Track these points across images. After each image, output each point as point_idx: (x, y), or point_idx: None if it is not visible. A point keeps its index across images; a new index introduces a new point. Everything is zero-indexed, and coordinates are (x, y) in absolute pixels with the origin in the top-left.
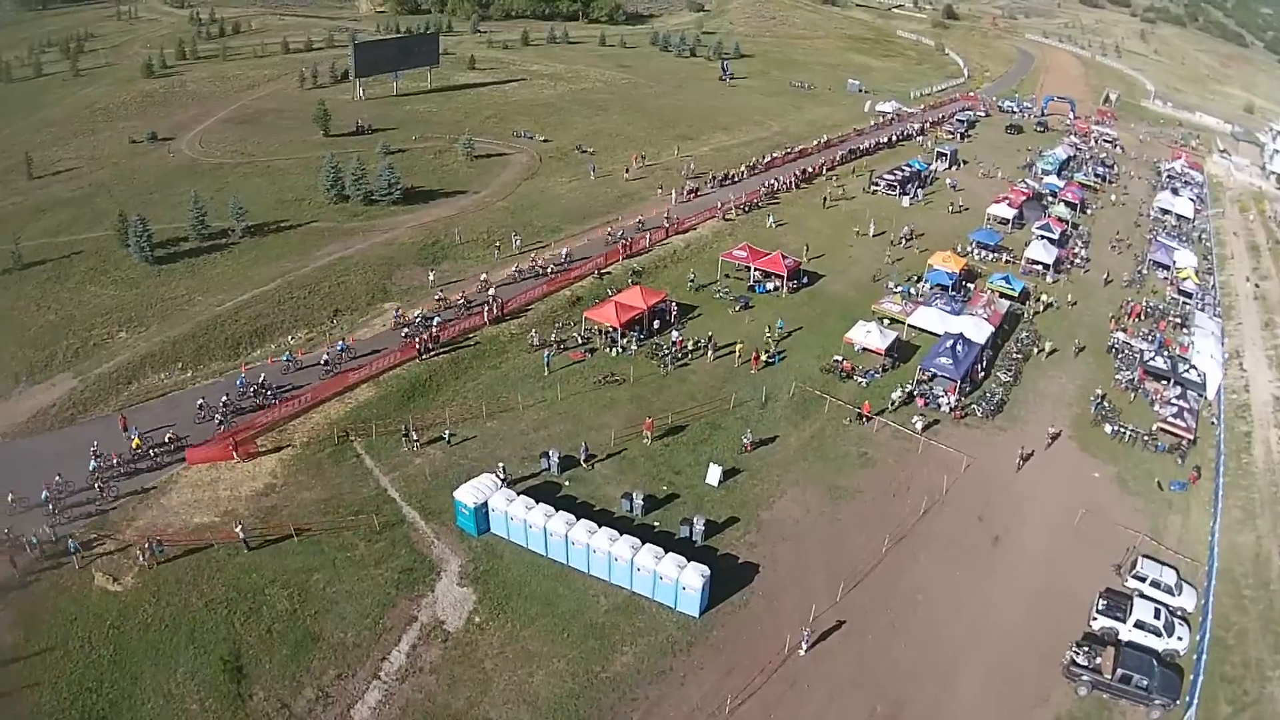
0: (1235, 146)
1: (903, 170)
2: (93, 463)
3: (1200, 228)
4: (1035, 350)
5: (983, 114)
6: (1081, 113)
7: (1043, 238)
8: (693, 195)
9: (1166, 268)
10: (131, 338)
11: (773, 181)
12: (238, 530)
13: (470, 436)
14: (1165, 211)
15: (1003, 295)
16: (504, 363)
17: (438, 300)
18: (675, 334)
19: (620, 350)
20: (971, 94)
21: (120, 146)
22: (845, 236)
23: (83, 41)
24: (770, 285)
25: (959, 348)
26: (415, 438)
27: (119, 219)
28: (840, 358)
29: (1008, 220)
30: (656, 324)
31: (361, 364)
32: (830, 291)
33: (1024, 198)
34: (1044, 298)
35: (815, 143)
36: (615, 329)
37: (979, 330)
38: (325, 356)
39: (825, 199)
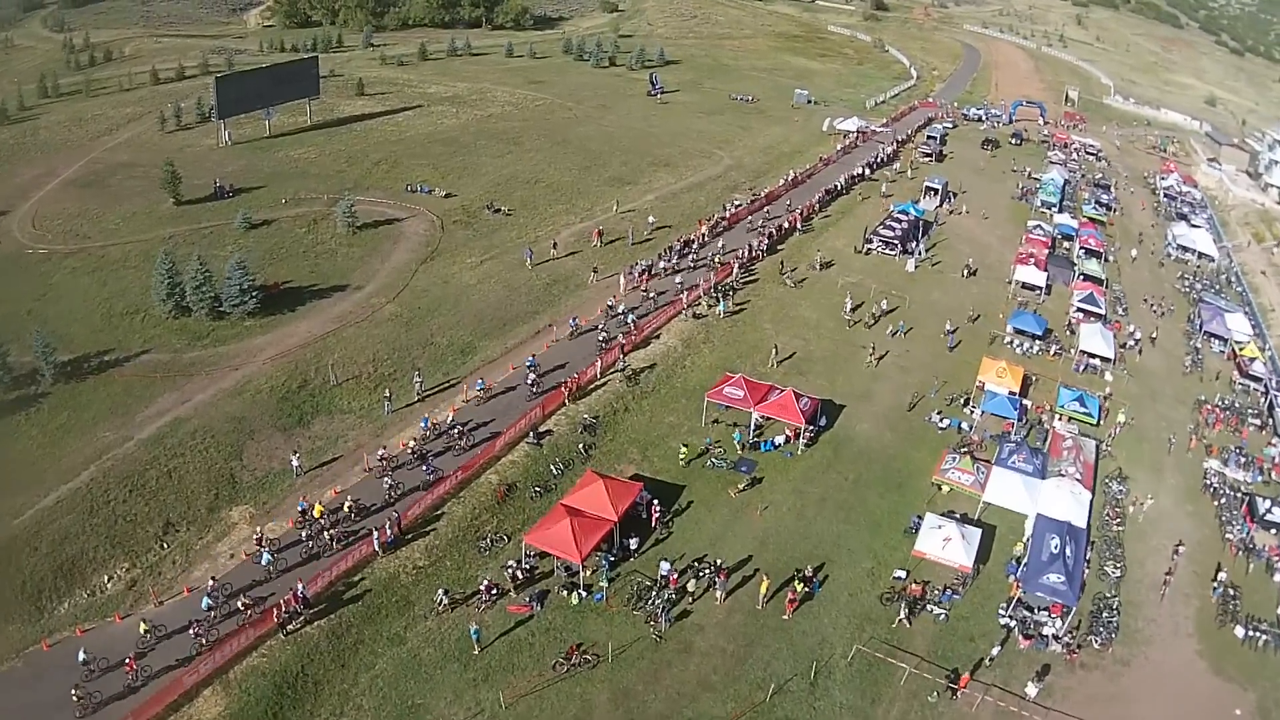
0: (1218, 151)
1: (899, 221)
2: None
3: (1229, 269)
4: (1131, 507)
5: (949, 125)
6: (1051, 117)
7: (1085, 311)
8: (646, 277)
9: (1222, 339)
10: None
11: (744, 249)
12: None
13: None
14: (1184, 249)
15: (1073, 419)
16: (410, 629)
17: (300, 515)
18: (665, 566)
19: (584, 593)
20: (930, 99)
21: None
22: (854, 332)
23: None
24: (780, 438)
25: (1067, 550)
26: None
27: None
28: (903, 572)
29: (1038, 288)
30: (633, 541)
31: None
32: (858, 437)
33: (1045, 250)
34: (1121, 416)
35: (781, 182)
36: (573, 564)
37: (1077, 505)
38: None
39: (814, 264)
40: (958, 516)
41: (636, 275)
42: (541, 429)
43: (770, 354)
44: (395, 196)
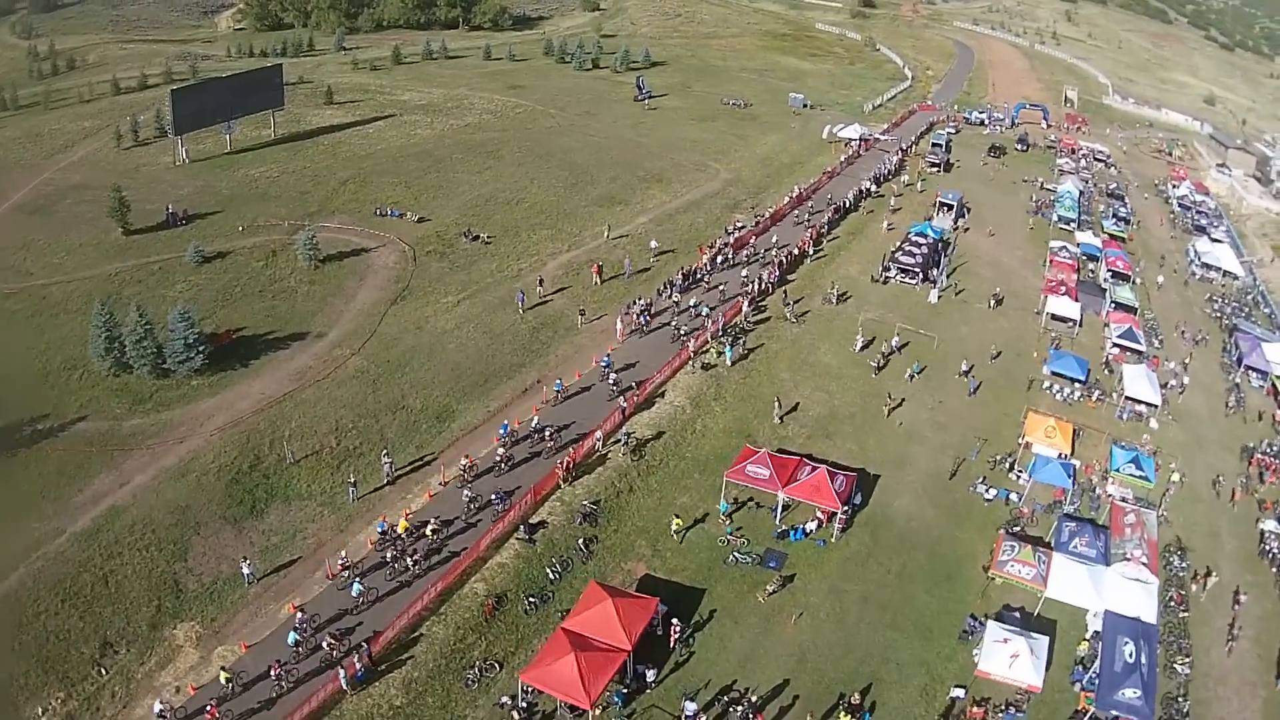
0: (1225, 155)
1: (918, 245)
2: None
3: (1254, 287)
4: (1193, 585)
5: (952, 129)
6: (1054, 120)
7: (1123, 347)
8: (647, 318)
9: (1262, 374)
10: None
11: (753, 281)
12: None
13: None
14: (1208, 266)
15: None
16: None
17: (225, 676)
18: (690, 707)
19: None
20: (929, 102)
21: None
22: (881, 381)
23: None
24: (810, 524)
25: (1141, 657)
26: None
27: None
28: (961, 690)
29: (1072, 321)
30: (650, 671)
31: None
32: (898, 515)
33: (1074, 275)
34: (1175, 475)
35: (785, 199)
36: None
37: (1146, 596)
38: None
39: (829, 296)
40: (1017, 615)
41: (635, 315)
42: (534, 520)
43: (774, 408)
44: (363, 222)
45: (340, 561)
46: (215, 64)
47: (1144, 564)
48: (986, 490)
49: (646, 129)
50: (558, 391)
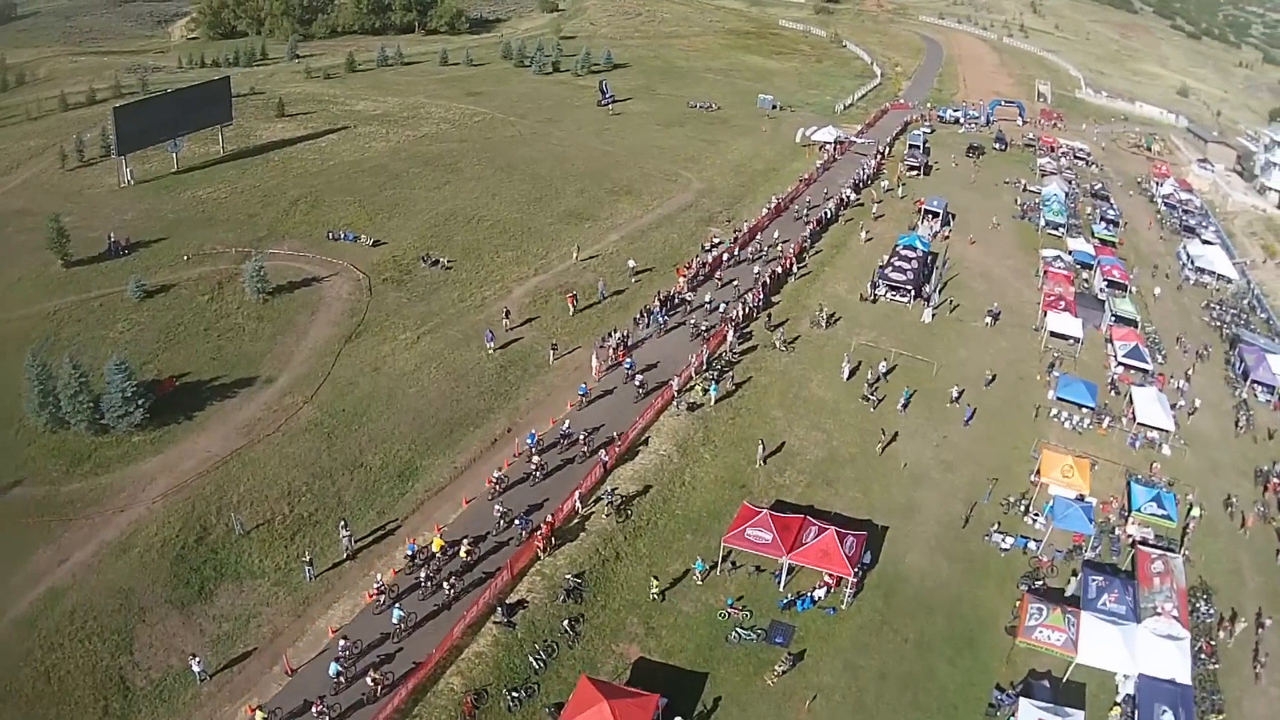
0: (1204, 149)
1: (908, 260)
2: None
3: (1248, 291)
4: (1221, 633)
5: (927, 129)
6: (1030, 117)
7: (1129, 366)
8: (623, 352)
9: (1269, 388)
10: None
11: (737, 306)
12: None
13: None
14: (1201, 270)
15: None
16: None
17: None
18: None
19: None
20: (901, 101)
21: None
22: (880, 416)
23: None
24: (819, 590)
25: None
26: None
27: None
28: None
29: (1075, 339)
30: None
31: None
32: (911, 573)
33: (1071, 287)
34: (1195, 510)
35: (763, 211)
36: None
37: (1180, 654)
38: None
39: (818, 319)
40: (1046, 684)
41: (610, 350)
42: (511, 600)
43: (758, 451)
44: (315, 247)
45: (376, 586)
46: (166, 76)
47: (1174, 617)
48: (1003, 540)
49: (612, 136)
50: (530, 445)
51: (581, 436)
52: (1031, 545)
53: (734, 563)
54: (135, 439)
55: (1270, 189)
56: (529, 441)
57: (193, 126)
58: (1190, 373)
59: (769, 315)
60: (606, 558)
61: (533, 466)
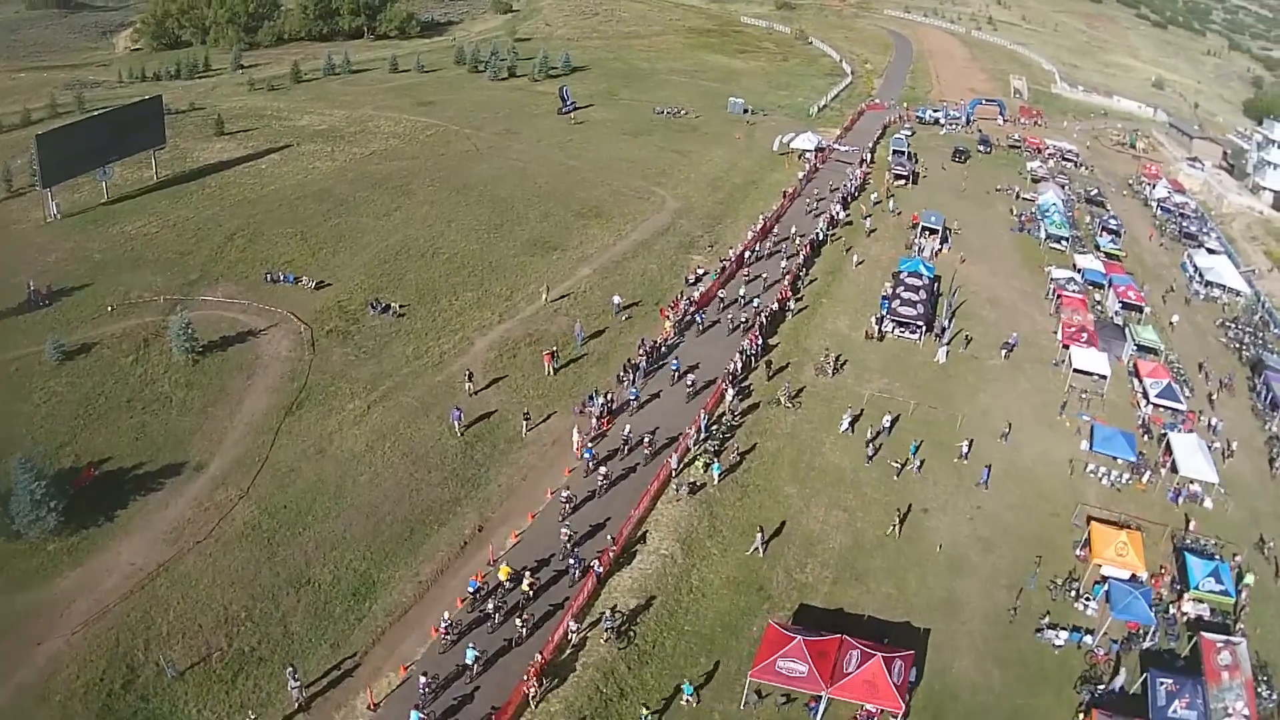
0: (1188, 145)
1: (915, 290)
2: None
3: (1262, 305)
4: None
5: (908, 131)
6: (1010, 115)
7: (1162, 405)
8: (608, 420)
9: None
10: None
11: (735, 358)
12: None
13: None
14: (1209, 284)
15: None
16: None
17: None
18: None
19: None
20: (876, 101)
21: None
22: (905, 483)
23: None
24: None
25: None
26: None
27: None
28: None
29: (1103, 377)
30: None
31: None
32: (960, 687)
33: (1088, 313)
34: (1248, 577)
35: (749, 235)
36: None
37: None
38: None
39: (823, 367)
40: None
41: (594, 417)
42: None
43: (756, 538)
44: (251, 291)
45: (443, 624)
46: (104, 92)
47: (1245, 716)
48: (1056, 635)
49: (575, 148)
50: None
51: (645, 439)
52: (1087, 639)
53: (759, 692)
54: (51, 547)
55: (1265, 188)
56: (587, 455)
57: (123, 152)
58: (1214, 398)
59: (768, 363)
60: (609, 697)
61: (600, 477)
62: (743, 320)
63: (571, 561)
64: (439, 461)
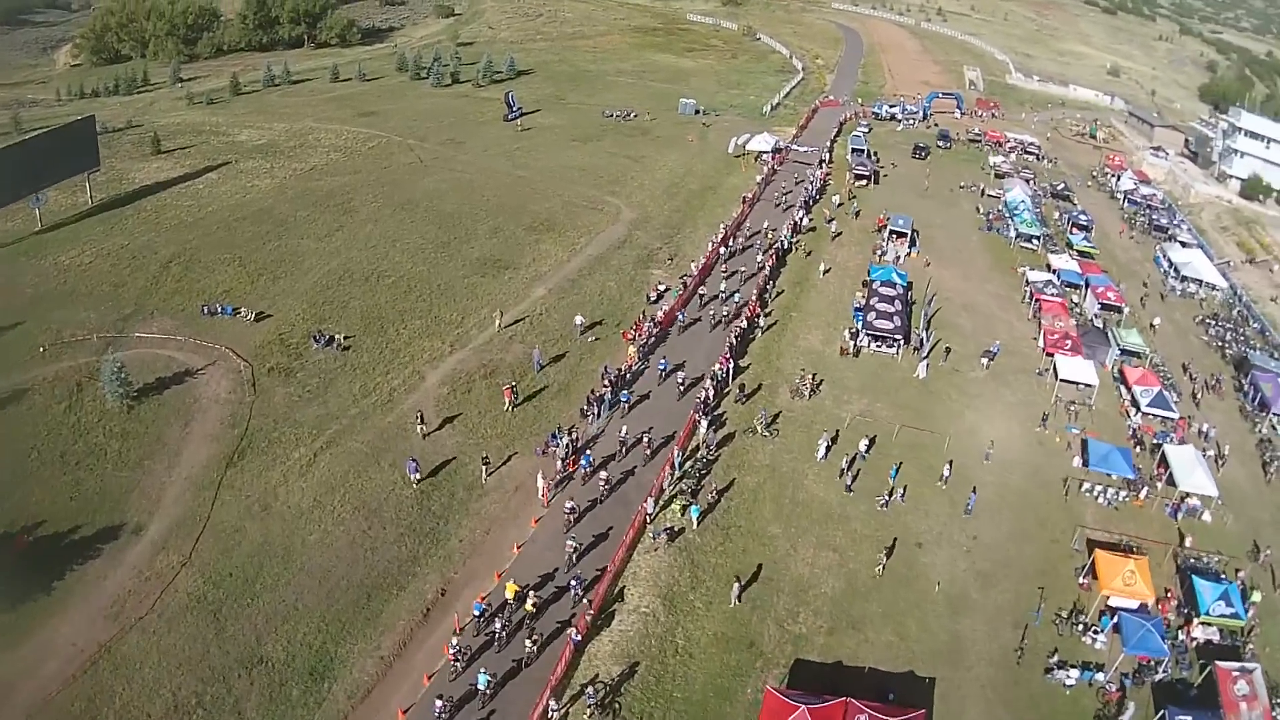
0: (1150, 134)
1: (890, 300)
2: None
3: (1239, 300)
4: None
5: (865, 127)
6: (968, 108)
7: (1149, 412)
8: (573, 462)
9: None
10: None
11: (705, 386)
12: None
13: None
14: (1184, 279)
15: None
16: None
17: None
18: None
19: None
20: (831, 98)
21: None
22: (892, 517)
23: None
24: None
25: None
26: None
27: None
28: None
29: (1090, 386)
30: None
31: None
32: None
33: (1069, 318)
34: (1256, 594)
35: (710, 246)
36: None
37: None
38: None
39: (799, 389)
40: None
41: (558, 459)
42: None
43: (733, 588)
44: (188, 325)
45: (452, 650)
46: (42, 111)
47: None
48: (1066, 675)
49: (524, 157)
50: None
51: (645, 439)
52: (1099, 677)
53: None
54: None
55: (1232, 176)
56: (584, 463)
57: (56, 177)
58: (1199, 398)
59: (740, 386)
60: None
61: (602, 483)
62: (724, 314)
63: (573, 581)
64: (393, 515)
